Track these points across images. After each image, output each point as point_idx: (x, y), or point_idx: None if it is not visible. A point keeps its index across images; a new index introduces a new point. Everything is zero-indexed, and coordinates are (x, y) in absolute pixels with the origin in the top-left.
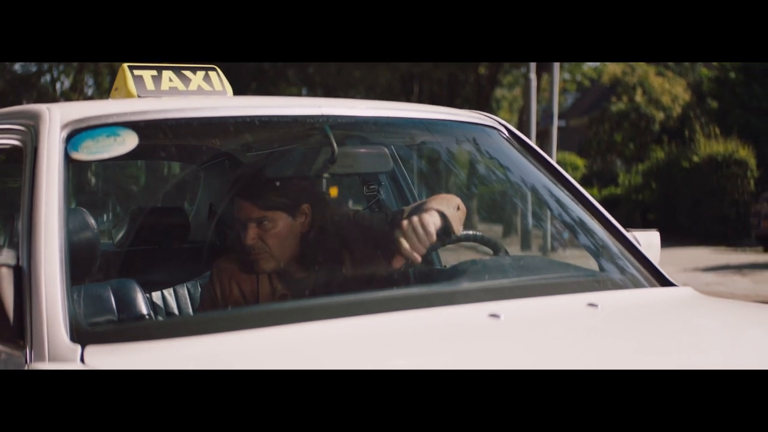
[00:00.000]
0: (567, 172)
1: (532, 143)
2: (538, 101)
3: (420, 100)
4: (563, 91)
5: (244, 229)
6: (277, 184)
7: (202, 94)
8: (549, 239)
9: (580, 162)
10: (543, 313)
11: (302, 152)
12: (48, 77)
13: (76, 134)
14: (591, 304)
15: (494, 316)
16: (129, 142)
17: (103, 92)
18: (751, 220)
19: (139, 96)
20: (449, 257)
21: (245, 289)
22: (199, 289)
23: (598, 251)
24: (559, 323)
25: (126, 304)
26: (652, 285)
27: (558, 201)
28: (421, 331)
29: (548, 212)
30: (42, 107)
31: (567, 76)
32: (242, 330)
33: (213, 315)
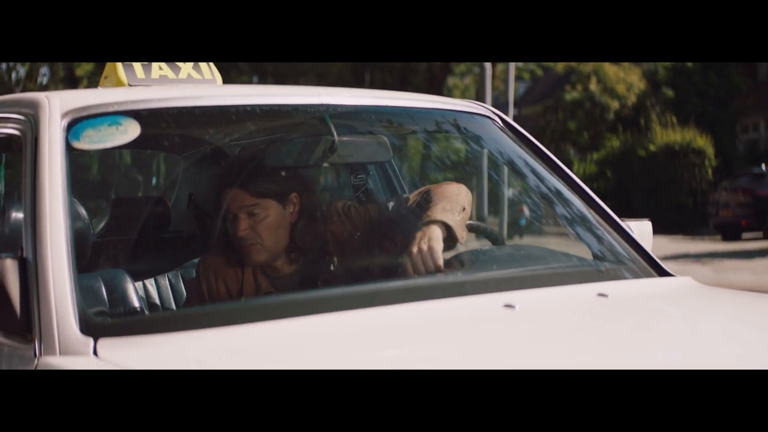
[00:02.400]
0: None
1: (526, 133)
2: (492, 89)
3: (371, 89)
4: (516, 79)
5: (235, 220)
6: (268, 171)
7: (192, 83)
8: (505, 228)
9: None
10: (556, 303)
11: (302, 142)
12: (4, 66)
13: (76, 123)
14: (601, 294)
15: (509, 306)
16: (131, 131)
17: (58, 81)
18: (709, 209)
19: (129, 85)
20: None
21: (231, 286)
22: (181, 280)
23: (594, 240)
24: (575, 314)
25: (117, 295)
26: (651, 275)
27: (552, 190)
28: (436, 323)
29: (505, 201)
30: (40, 95)
31: (520, 64)
32: (257, 322)
33: (227, 307)
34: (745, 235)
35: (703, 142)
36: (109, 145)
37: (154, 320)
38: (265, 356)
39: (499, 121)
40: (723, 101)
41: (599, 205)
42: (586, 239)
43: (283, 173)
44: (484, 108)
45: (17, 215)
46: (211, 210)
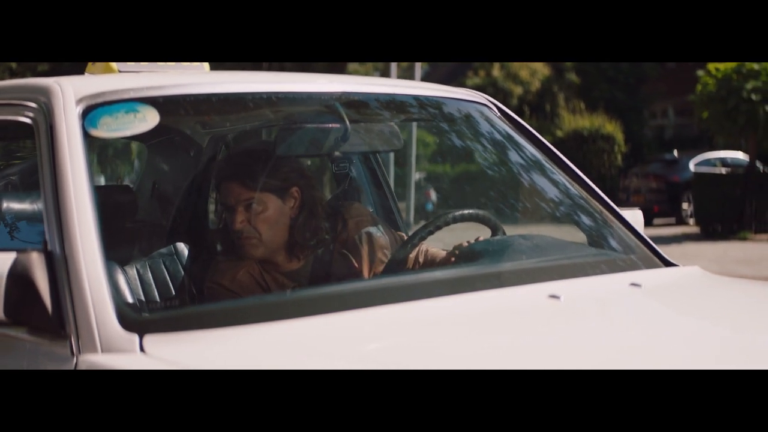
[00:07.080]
0: (417, 149)
1: (523, 121)
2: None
3: None
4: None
5: (232, 214)
6: (267, 165)
7: (181, 68)
8: (412, 212)
9: (430, 138)
10: (598, 294)
11: (313, 130)
12: None
13: (92, 110)
14: (634, 284)
15: (554, 297)
16: (150, 118)
17: None
18: (619, 195)
19: (119, 71)
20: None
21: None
22: (149, 271)
23: (595, 229)
24: (623, 306)
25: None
26: (659, 265)
27: (550, 179)
28: (485, 315)
29: (412, 186)
30: (50, 81)
31: None
32: (310, 316)
33: (270, 300)
34: (656, 221)
35: (612, 127)
36: (128, 133)
37: (198, 315)
38: (321, 351)
39: (495, 110)
40: (632, 87)
41: (598, 194)
42: (587, 228)
43: (284, 167)
44: (480, 96)
45: (9, 205)
46: (173, 197)
